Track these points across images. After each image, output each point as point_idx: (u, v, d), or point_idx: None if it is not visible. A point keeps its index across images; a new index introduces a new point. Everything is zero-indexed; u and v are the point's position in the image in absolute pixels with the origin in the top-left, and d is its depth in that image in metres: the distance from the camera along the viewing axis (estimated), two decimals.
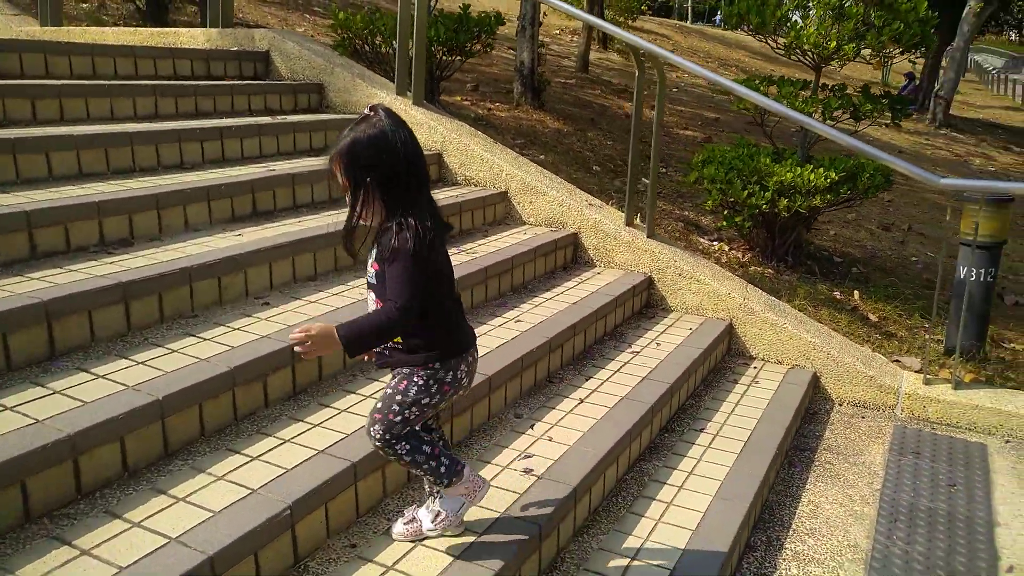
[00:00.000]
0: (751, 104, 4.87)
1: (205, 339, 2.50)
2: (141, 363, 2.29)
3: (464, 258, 3.66)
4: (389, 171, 1.75)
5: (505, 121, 7.17)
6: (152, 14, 7.39)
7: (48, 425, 1.90)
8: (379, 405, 1.89)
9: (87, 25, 7.16)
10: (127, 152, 3.42)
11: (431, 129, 4.68)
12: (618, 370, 3.34)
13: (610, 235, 4.29)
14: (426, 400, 1.88)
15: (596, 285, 3.94)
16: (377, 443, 1.90)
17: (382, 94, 4.84)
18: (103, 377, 2.18)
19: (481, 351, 2.94)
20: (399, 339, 1.85)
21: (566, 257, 4.30)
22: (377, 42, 5.70)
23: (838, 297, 4.77)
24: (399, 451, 1.90)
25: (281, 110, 4.75)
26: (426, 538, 2.05)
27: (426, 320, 1.82)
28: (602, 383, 3.20)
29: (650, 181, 4.28)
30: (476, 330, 3.18)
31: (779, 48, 5.20)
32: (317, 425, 2.34)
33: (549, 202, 4.42)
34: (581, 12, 4.40)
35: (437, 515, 2.02)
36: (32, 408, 1.99)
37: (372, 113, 1.80)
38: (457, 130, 4.73)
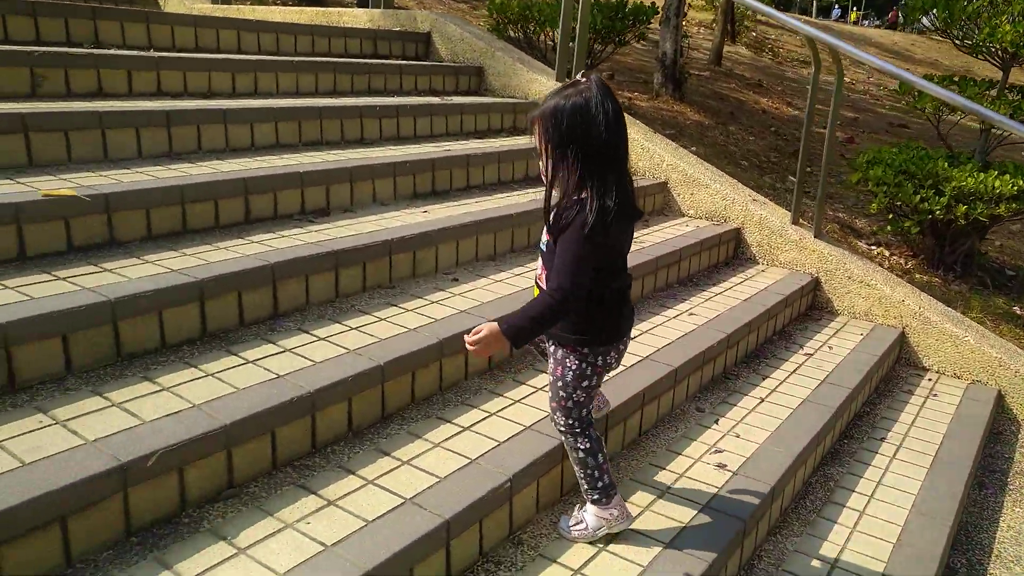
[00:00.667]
0: (931, 103, 4.60)
1: (407, 310, 2.57)
2: (354, 328, 2.37)
3: (632, 246, 3.62)
4: (585, 142, 1.67)
5: (647, 111, 7.07)
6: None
7: (289, 381, 1.99)
8: (551, 395, 1.92)
9: (252, 4, 7.50)
10: (316, 126, 3.55)
11: None
12: (793, 371, 3.23)
13: (775, 232, 4.16)
14: (585, 383, 1.89)
15: (763, 283, 3.83)
16: (562, 429, 1.94)
17: (542, 79, 4.85)
18: (324, 339, 2.27)
19: (661, 342, 2.94)
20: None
21: (728, 252, 4.20)
22: (531, 28, 5.72)
23: (1019, 312, 4.47)
24: (580, 444, 1.92)
25: (444, 91, 4.83)
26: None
27: (588, 304, 1.77)
28: (779, 383, 3.10)
29: (821, 180, 4.11)
30: (650, 319, 3.19)
31: (963, 45, 4.90)
32: (517, 401, 2.36)
33: (711, 195, 4.32)
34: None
35: (578, 523, 2.00)
36: (271, 364, 2.09)
37: (583, 79, 1.72)
38: None
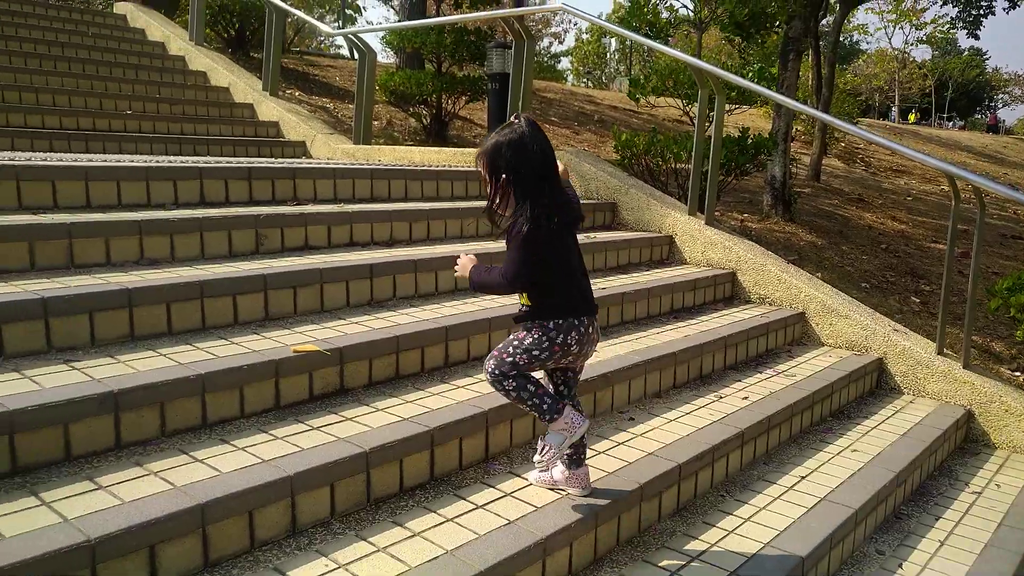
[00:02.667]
0: None
1: (598, 451, 2.75)
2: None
3: (785, 381, 3.75)
4: (519, 169, 2.10)
5: (761, 233, 7.26)
6: (435, 131, 8.32)
7: (521, 528, 2.19)
8: (500, 345, 2.26)
9: (382, 143, 8.19)
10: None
11: (726, 249, 4.88)
12: (966, 512, 3.23)
13: (921, 364, 4.21)
14: (536, 352, 2.20)
15: (915, 416, 3.86)
16: (489, 375, 2.24)
17: (675, 214, 5.14)
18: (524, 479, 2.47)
19: (834, 481, 3.00)
20: (526, 301, 2.22)
21: (872, 383, 4.26)
22: (656, 162, 6.08)
23: None
24: (507, 387, 2.21)
25: (582, 228, 5.15)
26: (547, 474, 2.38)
27: (540, 291, 2.19)
28: (955, 524, 3.11)
29: (967, 312, 4.17)
30: (815, 456, 3.27)
31: None
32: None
33: (851, 325, 4.42)
34: (861, 131, 4.48)
35: (543, 448, 2.27)
36: (499, 508, 2.29)
37: (515, 120, 2.16)
38: (751, 249, 4.90)
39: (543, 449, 2.27)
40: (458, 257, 2.38)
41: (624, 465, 2.64)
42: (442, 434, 2.45)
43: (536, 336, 2.20)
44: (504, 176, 2.12)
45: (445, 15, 9.03)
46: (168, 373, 2.31)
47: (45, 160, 3.45)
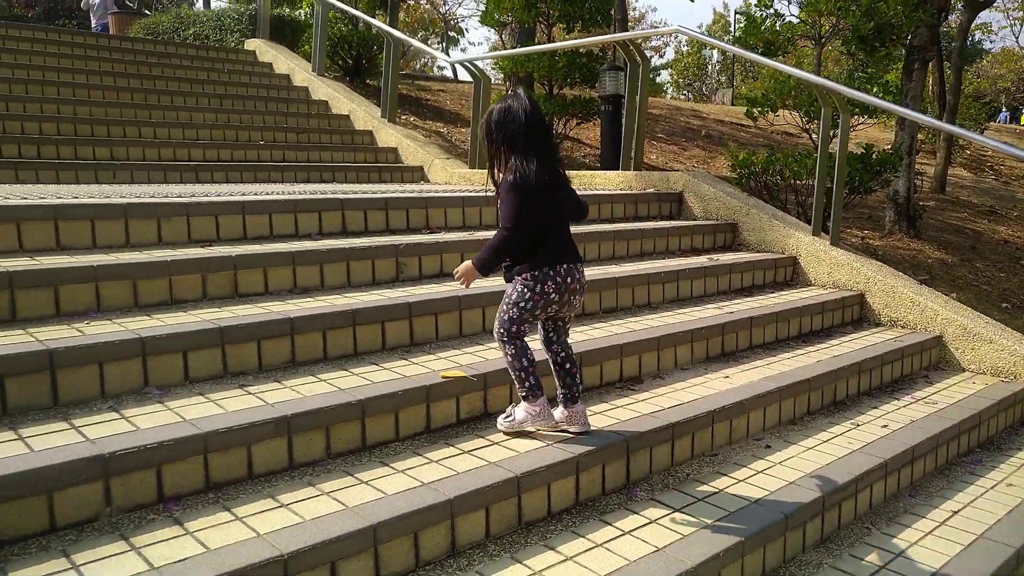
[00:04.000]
0: None
1: (738, 479, 2.74)
2: (700, 500, 2.58)
3: (926, 409, 3.61)
4: (510, 131, 2.40)
5: (884, 251, 7.00)
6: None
7: (670, 555, 2.22)
8: (498, 311, 2.53)
9: None
10: (613, 295, 3.92)
11: (853, 270, 4.74)
12: None
13: None
14: (522, 304, 2.47)
15: None
16: (495, 335, 2.53)
17: (798, 234, 5.04)
18: (679, 510, 2.49)
19: (989, 504, 2.85)
20: (508, 259, 2.49)
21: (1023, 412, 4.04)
22: (775, 180, 5.98)
23: None
24: (508, 350, 2.52)
25: (703, 248, 5.14)
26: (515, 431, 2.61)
27: (529, 247, 2.45)
28: None
29: None
30: (966, 490, 3.13)
31: None
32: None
33: (996, 350, 4.21)
34: (994, 141, 4.25)
35: (508, 416, 2.63)
36: (620, 547, 2.33)
37: (511, 93, 2.48)
38: (879, 270, 4.75)
39: (508, 415, 2.63)
40: None
41: (766, 494, 2.63)
42: (587, 460, 2.52)
43: (519, 289, 2.48)
44: (496, 138, 2.44)
45: (556, 39, 9.17)
46: (331, 399, 2.48)
47: (207, 196, 3.75)
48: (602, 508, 2.52)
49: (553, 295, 2.48)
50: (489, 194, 4.52)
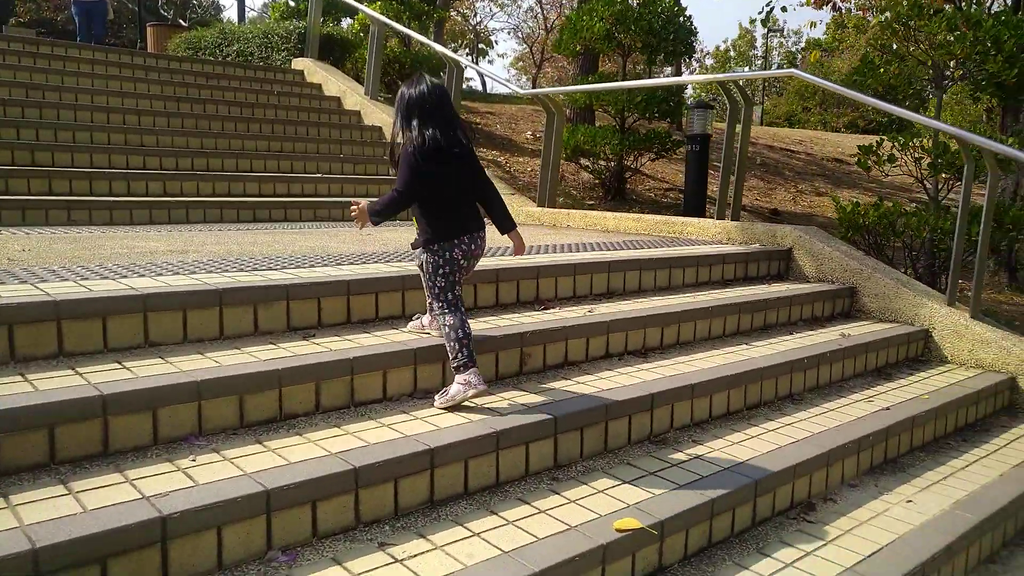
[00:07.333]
0: None
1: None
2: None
3: None
4: (407, 106, 2.67)
5: (1012, 315, 6.45)
6: (614, 188, 7.96)
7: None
8: (425, 291, 2.84)
9: (560, 201, 7.91)
10: (757, 388, 3.43)
11: (1003, 350, 4.22)
12: None
13: None
14: (439, 271, 2.72)
15: None
16: (435, 312, 2.76)
17: (931, 304, 4.53)
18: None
19: None
20: (417, 228, 2.78)
21: None
22: (887, 238, 5.46)
23: None
24: (446, 321, 2.69)
25: (822, 317, 4.63)
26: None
27: (423, 211, 2.72)
28: None
29: None
30: None
31: None
32: None
33: None
34: None
35: (444, 392, 2.68)
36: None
37: (415, 78, 2.72)
38: None
39: (443, 393, 2.68)
40: None
41: None
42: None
43: (432, 260, 2.73)
44: (400, 112, 2.69)
45: (629, 71, 8.67)
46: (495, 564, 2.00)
47: (311, 278, 3.29)
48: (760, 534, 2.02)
49: (461, 260, 2.74)
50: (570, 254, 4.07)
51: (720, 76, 5.64)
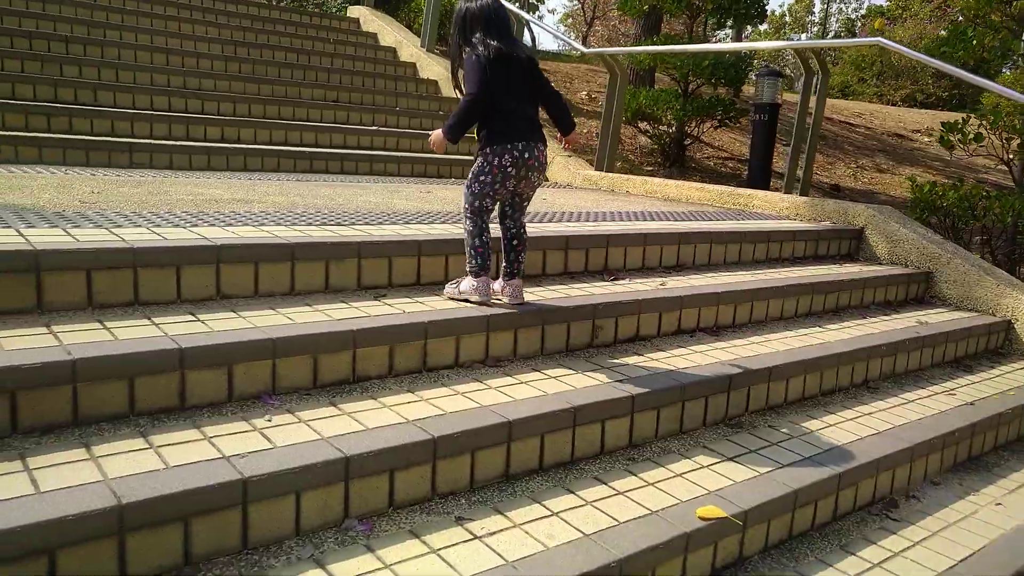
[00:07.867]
0: None
1: None
2: None
3: None
4: (463, 24, 2.73)
5: None
6: (674, 155, 7.74)
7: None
8: (465, 184, 2.81)
9: (618, 166, 7.71)
10: (833, 373, 3.29)
11: None
12: None
13: None
14: (482, 177, 2.72)
15: None
16: (462, 208, 2.80)
17: (1017, 295, 4.31)
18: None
19: None
20: (475, 133, 2.74)
21: None
22: (966, 220, 5.21)
23: None
24: (467, 225, 2.78)
25: (895, 302, 4.45)
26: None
27: (484, 118, 2.69)
28: None
29: None
30: None
31: None
32: None
33: None
34: None
35: (456, 283, 2.84)
36: None
37: None
38: None
39: (455, 282, 2.85)
40: None
41: None
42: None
43: (479, 162, 2.72)
44: (461, 25, 2.73)
45: (696, 32, 8.34)
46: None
47: (382, 236, 3.20)
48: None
49: (511, 169, 2.68)
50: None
51: (801, 43, 5.38)
